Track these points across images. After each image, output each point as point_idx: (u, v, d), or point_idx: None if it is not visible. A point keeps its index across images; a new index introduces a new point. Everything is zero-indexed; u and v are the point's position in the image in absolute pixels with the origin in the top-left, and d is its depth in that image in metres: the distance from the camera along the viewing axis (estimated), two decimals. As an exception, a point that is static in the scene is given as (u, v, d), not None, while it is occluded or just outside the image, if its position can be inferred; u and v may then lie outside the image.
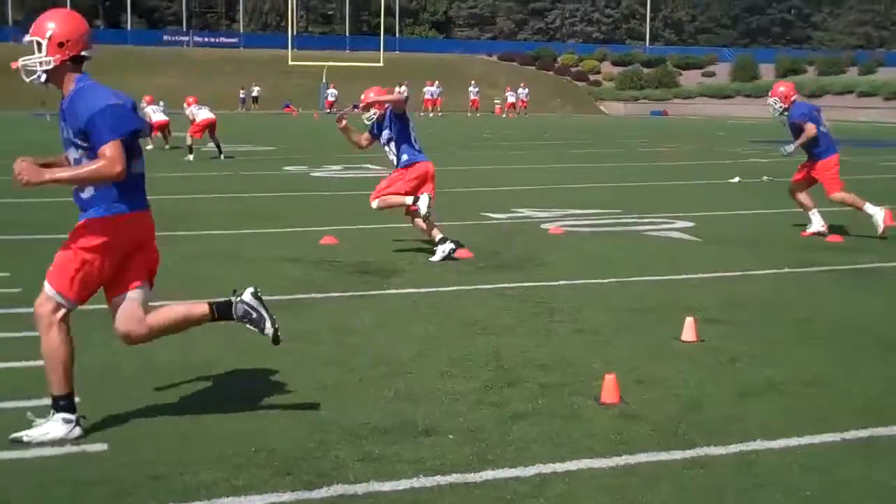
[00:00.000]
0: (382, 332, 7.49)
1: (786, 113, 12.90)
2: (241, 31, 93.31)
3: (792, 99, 12.88)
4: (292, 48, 69.87)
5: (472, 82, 66.97)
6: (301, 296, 8.72)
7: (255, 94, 68.14)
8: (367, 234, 12.32)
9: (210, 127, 24.82)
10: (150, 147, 26.48)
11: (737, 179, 20.25)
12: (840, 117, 66.30)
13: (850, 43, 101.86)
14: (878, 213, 12.40)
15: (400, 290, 9.08)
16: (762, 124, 53.80)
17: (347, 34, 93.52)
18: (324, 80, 66.36)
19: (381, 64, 66.75)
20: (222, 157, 24.51)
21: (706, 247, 11.87)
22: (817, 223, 12.71)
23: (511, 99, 65.31)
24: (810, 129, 12.55)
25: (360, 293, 8.91)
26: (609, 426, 5.39)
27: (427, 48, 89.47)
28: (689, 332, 7.28)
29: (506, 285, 9.29)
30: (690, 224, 13.54)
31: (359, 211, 13.13)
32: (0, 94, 52.93)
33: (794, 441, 5.19)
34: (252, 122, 50.17)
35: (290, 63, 69.19)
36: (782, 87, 13.12)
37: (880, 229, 12.27)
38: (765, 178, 20.63)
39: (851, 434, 5.31)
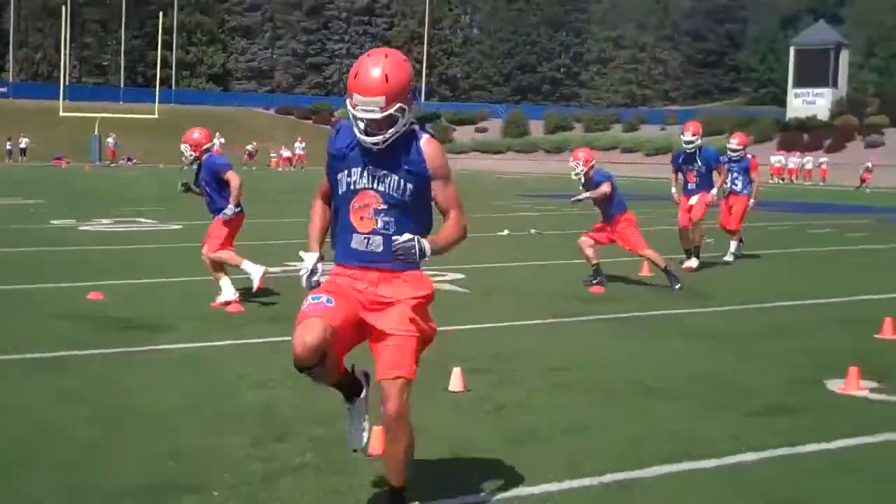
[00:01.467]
0: (149, 388, 7.34)
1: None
2: (11, 80, 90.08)
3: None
4: (64, 98, 67.88)
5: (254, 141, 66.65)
6: (65, 353, 8.44)
7: (22, 145, 65.75)
8: (136, 289, 12.06)
9: None
10: None
11: (506, 232, 20.80)
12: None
13: (615, 101, 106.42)
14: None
15: (169, 346, 8.92)
16: (531, 178, 55.48)
17: (122, 85, 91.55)
18: (96, 132, 64.68)
19: (156, 116, 65.62)
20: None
21: (475, 298, 12.15)
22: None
23: (286, 154, 65.21)
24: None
25: (128, 349, 8.71)
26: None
27: (204, 101, 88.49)
28: (456, 382, 7.42)
29: (279, 339, 9.25)
30: (461, 276, 13.82)
31: (128, 265, 12.84)
32: None
33: (553, 486, 5.37)
34: (20, 174, 48.37)
35: (62, 114, 67.18)
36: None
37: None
38: (532, 231, 21.26)
39: (608, 477, 5.52)
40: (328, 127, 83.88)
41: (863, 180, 49.47)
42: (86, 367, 7.98)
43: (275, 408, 6.83)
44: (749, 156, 17.10)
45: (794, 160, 64.56)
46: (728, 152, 17.05)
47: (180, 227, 20.51)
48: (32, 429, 6.20)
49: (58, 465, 5.54)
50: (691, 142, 15.12)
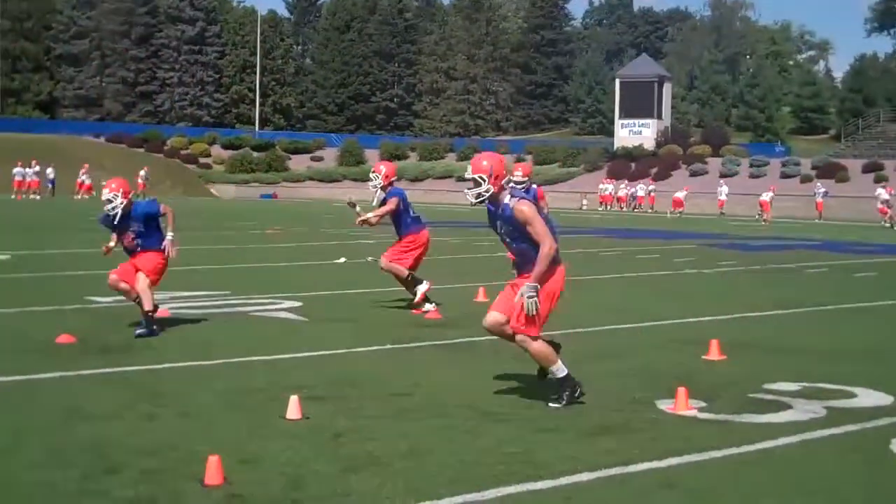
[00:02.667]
0: (-28, 424, 7.06)
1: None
2: None
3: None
4: None
5: (85, 167, 64.51)
6: None
7: None
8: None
9: None
10: None
11: (342, 260, 20.77)
12: (441, 200, 69.63)
13: (448, 131, 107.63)
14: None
15: (-7, 380, 8.60)
16: (366, 207, 55.45)
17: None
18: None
19: (-21, 143, 63.38)
20: None
21: (312, 326, 12.09)
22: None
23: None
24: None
25: (-51, 384, 8.36)
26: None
27: (31, 129, 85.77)
28: (293, 410, 7.36)
29: (109, 370, 9.03)
30: (298, 304, 13.75)
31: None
32: None
33: (392, 511, 5.38)
34: None
35: None
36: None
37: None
38: (369, 258, 21.28)
39: (445, 501, 5.55)
40: (160, 155, 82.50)
41: (763, 210, 50.08)
42: None
43: (105, 441, 6.64)
44: (535, 186, 17.08)
45: (623, 189, 66.26)
46: (512, 183, 16.79)
47: (7, 256, 19.82)
48: None
49: None
50: (521, 182, 14.99)
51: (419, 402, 8.07)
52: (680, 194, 57.62)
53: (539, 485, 5.89)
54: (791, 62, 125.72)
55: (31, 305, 13.13)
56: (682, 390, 8.01)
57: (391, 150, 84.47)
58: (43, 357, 9.63)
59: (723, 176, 66.28)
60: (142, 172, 62.83)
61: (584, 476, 6.07)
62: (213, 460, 5.80)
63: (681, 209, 56.71)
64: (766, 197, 50.89)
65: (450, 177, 76.65)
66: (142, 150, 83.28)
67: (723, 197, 57.39)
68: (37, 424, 7.08)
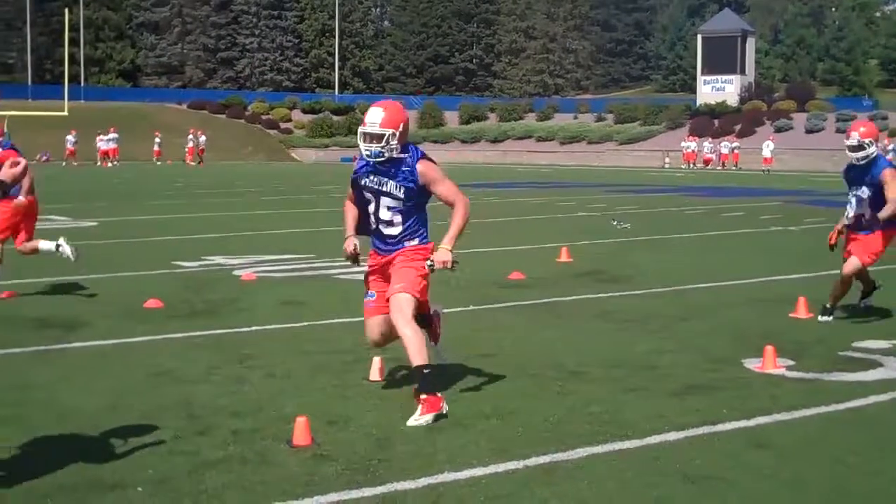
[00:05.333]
0: (67, 387, 7.21)
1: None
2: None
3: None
4: (-31, 97, 66.47)
5: (157, 133, 65.57)
6: (-23, 354, 8.28)
7: (-72, 145, 64.21)
8: (49, 287, 11.84)
9: None
10: None
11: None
12: (522, 161, 69.45)
13: (527, 91, 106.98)
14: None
15: (85, 343, 8.78)
16: (446, 169, 55.51)
17: (30, 83, 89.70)
18: (6, 130, 63.37)
19: (65, 113, 64.50)
20: None
21: (396, 288, 12.11)
22: None
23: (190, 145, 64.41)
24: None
25: (43, 347, 8.55)
26: (301, 468, 5.41)
27: (114, 97, 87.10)
28: (376, 371, 7.41)
29: (197, 333, 9.16)
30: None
31: (39, 263, 12.59)
32: None
33: (479, 471, 5.39)
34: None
35: (-31, 113, 65.87)
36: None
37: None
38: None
39: (532, 461, 5.55)
40: (242, 121, 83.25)
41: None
42: (0, 367, 7.83)
43: (195, 402, 6.75)
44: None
45: (707, 145, 65.17)
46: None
47: (95, 223, 20.18)
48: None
49: (-26, 466, 5.42)
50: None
51: (502, 362, 8.06)
52: (767, 152, 56.79)
53: (626, 444, 5.87)
54: (878, 14, 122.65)
55: (120, 271, 13.37)
56: (769, 349, 7.91)
57: (470, 111, 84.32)
58: (133, 321, 9.80)
59: (809, 132, 65.12)
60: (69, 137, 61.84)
61: (672, 435, 6.03)
62: (300, 421, 5.86)
63: (769, 166, 55.89)
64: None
65: (529, 137, 76.34)
66: (223, 116, 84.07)
67: (767, 154, 56.60)
68: (130, 387, 7.22)
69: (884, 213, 9.61)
